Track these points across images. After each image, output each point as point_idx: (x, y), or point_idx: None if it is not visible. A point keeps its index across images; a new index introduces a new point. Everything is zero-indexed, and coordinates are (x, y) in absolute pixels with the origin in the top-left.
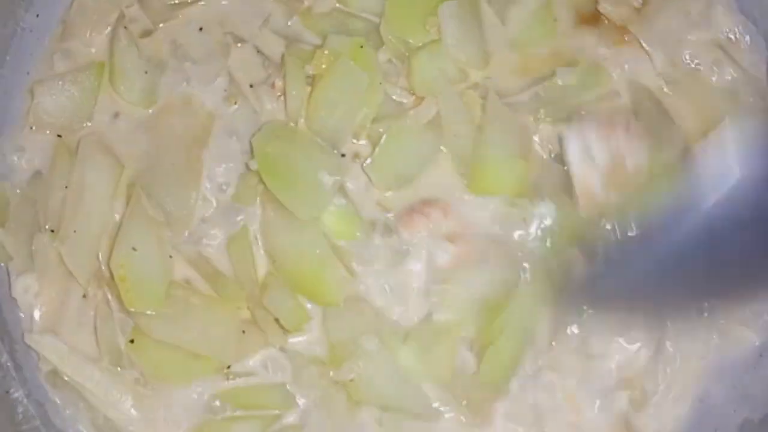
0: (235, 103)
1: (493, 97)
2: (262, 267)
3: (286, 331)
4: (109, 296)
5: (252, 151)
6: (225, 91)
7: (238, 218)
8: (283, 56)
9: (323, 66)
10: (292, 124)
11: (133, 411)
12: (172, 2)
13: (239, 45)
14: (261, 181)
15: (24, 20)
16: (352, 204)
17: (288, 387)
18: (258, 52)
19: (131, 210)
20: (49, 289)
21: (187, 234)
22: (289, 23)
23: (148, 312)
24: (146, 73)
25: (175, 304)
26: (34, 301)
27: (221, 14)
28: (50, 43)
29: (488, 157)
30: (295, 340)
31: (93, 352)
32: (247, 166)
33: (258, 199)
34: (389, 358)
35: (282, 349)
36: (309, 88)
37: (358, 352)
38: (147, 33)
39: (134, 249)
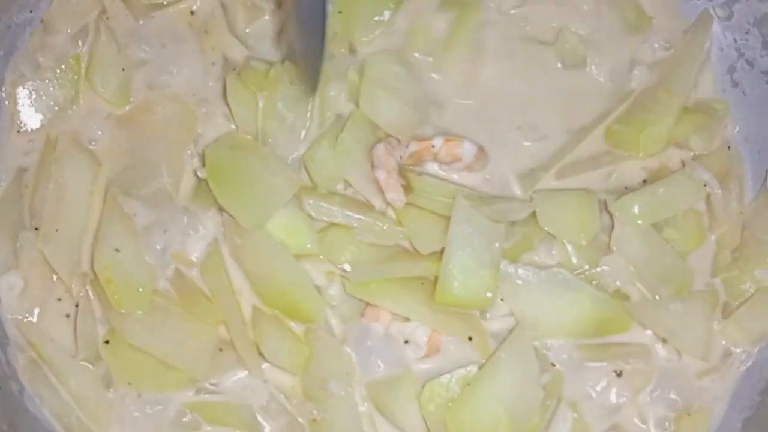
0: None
1: (461, 203)
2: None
3: (263, 359)
4: (92, 295)
5: (203, 159)
6: (194, 95)
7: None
8: (224, 83)
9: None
10: (249, 137)
11: (100, 412)
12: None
13: (213, 50)
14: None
15: (17, 16)
16: (305, 215)
17: (255, 411)
18: (225, 60)
19: (108, 210)
20: (34, 286)
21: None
22: (247, 30)
23: (138, 312)
24: (123, 70)
25: (154, 311)
26: (19, 298)
27: (202, 16)
28: (33, 38)
29: (455, 269)
30: (269, 368)
31: (71, 349)
32: (195, 173)
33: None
34: (353, 408)
35: (255, 374)
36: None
37: (325, 394)
38: (128, 29)
39: (117, 250)
